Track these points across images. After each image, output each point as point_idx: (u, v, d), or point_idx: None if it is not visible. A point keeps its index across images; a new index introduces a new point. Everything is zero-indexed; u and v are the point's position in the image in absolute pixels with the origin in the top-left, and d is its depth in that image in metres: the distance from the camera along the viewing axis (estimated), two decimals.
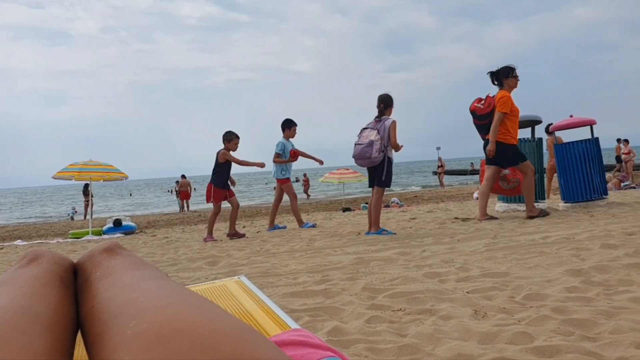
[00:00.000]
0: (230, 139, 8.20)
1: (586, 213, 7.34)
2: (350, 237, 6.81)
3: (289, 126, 9.08)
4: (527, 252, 4.41)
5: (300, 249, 6.02)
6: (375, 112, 6.93)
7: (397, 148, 6.78)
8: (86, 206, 22.67)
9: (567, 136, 8.95)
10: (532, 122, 8.85)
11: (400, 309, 2.89)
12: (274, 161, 8.96)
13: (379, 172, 6.82)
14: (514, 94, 7.23)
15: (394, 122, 6.76)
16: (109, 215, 21.29)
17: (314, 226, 9.07)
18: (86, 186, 21.58)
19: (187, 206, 25.02)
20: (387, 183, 6.86)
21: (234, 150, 8.24)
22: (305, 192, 30.12)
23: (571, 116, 9.22)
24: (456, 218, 8.18)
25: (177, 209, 26.16)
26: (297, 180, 63.98)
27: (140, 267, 0.74)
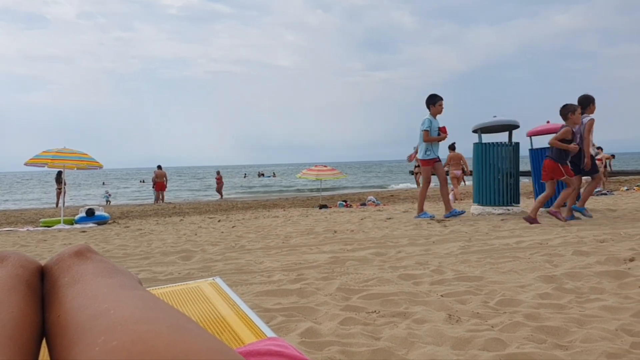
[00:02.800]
0: (435, 102, 7.77)
1: None
2: (326, 235, 6.80)
3: (433, 102, 8.25)
4: (501, 256, 4.45)
5: (276, 246, 5.99)
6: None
7: (586, 143, 7.24)
8: (58, 194, 22.27)
9: (543, 141, 9.06)
10: (510, 127, 8.94)
11: (375, 311, 2.88)
12: (424, 140, 8.26)
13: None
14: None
15: (590, 120, 7.27)
16: (82, 204, 20.93)
17: (462, 213, 8.40)
18: (59, 174, 21.18)
19: (162, 197, 24.75)
20: (595, 171, 7.54)
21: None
22: (218, 191, 27.92)
23: (548, 122, 9.33)
24: (432, 219, 8.22)
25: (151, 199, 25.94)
26: (262, 175, 63.45)
27: (112, 274, 0.71)
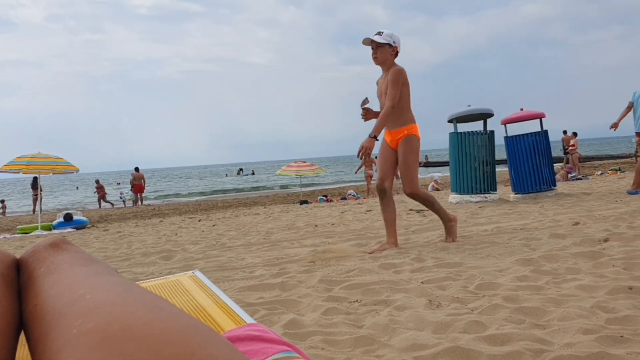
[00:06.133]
0: None
1: (536, 204, 7.56)
2: (307, 229, 6.81)
3: None
4: (479, 242, 4.51)
5: (257, 242, 5.99)
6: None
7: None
8: (35, 200, 21.97)
9: (517, 129, 9.18)
10: (484, 115, 9.04)
11: (356, 301, 2.91)
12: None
13: None
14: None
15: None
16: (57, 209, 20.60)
17: None
18: (35, 180, 20.88)
19: (141, 200, 24.50)
20: None
21: None
22: (101, 199, 25.58)
23: (522, 109, 9.45)
24: (411, 210, 8.28)
25: (130, 202, 25.59)
26: (241, 170, 62.94)
27: (88, 263, 0.71)
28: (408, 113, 4.51)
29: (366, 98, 4.64)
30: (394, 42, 4.46)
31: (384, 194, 4.56)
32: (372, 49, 4.48)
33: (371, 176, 17.72)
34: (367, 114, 4.64)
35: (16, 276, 0.73)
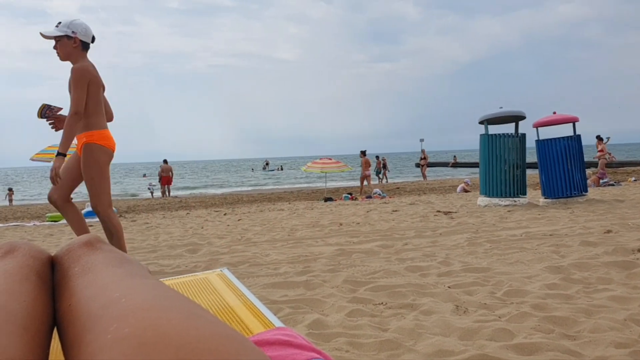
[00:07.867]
0: None
1: (566, 209, 7.41)
2: (332, 227, 6.80)
3: None
4: (508, 247, 4.44)
5: (282, 238, 6.00)
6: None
7: None
8: None
9: (549, 133, 9.04)
10: (516, 118, 8.91)
11: (382, 303, 2.88)
12: None
13: None
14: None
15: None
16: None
17: None
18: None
19: (169, 191, 24.77)
20: None
21: None
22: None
23: (554, 113, 9.29)
24: (438, 211, 8.21)
25: (158, 194, 25.91)
26: (267, 164, 63.08)
27: (122, 264, 0.71)
28: (92, 117, 3.76)
29: (44, 105, 3.97)
30: (73, 32, 3.71)
31: (57, 206, 3.98)
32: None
33: (368, 177, 19.31)
34: (58, 122, 4.00)
35: (51, 274, 0.73)
